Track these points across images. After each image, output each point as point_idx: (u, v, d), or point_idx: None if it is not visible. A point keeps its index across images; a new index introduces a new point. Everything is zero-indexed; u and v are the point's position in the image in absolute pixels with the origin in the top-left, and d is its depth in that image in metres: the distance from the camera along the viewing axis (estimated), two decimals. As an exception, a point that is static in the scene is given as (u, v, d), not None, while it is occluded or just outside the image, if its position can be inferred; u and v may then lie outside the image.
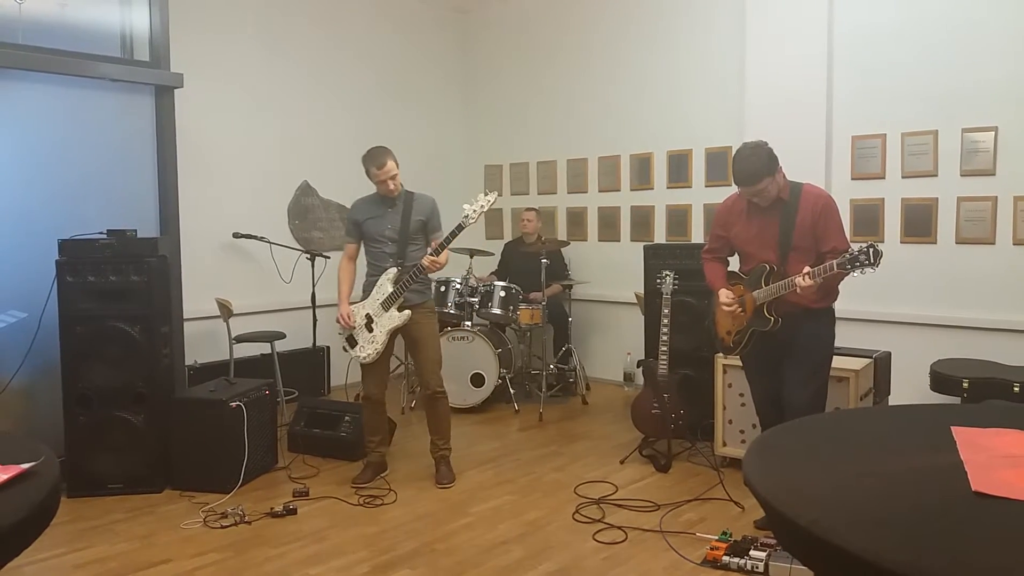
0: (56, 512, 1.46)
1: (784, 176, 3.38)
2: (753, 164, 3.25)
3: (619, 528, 3.59)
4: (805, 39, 5.19)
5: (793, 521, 0.93)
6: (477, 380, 5.65)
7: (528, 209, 6.48)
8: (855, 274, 2.99)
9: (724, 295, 3.52)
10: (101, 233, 4.19)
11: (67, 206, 4.38)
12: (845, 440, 1.33)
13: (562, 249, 6.37)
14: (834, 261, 3.03)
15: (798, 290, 3.13)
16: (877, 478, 1.09)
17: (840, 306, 3.54)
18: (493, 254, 6.51)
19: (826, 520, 0.92)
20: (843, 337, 3.53)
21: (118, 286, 4.09)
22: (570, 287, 6.31)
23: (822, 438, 1.35)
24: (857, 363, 3.95)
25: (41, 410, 4.23)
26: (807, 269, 3.09)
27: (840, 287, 3.40)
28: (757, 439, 1.31)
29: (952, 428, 1.29)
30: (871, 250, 2.93)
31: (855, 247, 3.00)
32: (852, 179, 5.11)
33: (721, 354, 4.16)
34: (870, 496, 1.02)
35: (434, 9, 7.32)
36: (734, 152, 3.40)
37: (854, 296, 4.17)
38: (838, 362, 3.72)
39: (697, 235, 5.99)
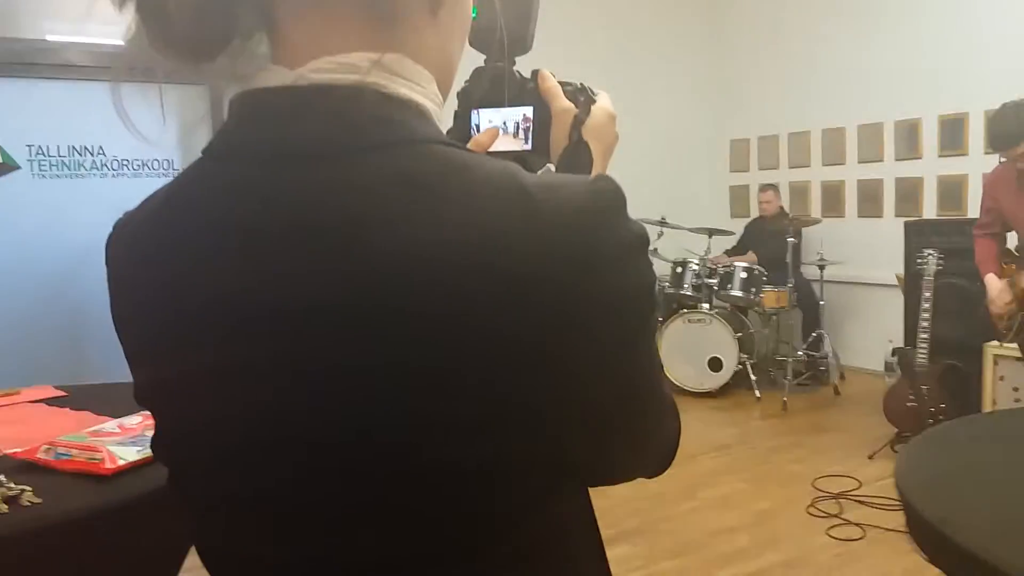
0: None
1: None
2: (1010, 126, 2.89)
3: (856, 525, 3.35)
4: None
5: (921, 516, 0.85)
6: (715, 364, 5.50)
7: (765, 189, 6.14)
8: None
9: (992, 286, 3.16)
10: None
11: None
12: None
13: (815, 227, 5.95)
14: None
15: None
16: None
17: None
18: (734, 233, 6.27)
19: (959, 519, 0.84)
20: None
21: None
22: (822, 268, 5.89)
23: (1001, 436, 1.19)
24: None
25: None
26: None
27: None
28: (929, 431, 1.19)
29: None
30: None
31: None
32: None
33: (996, 342, 3.71)
34: (1018, 502, 0.89)
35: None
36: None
37: None
38: None
39: (973, 210, 5.28)
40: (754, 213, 6.87)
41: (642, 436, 0.61)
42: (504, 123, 0.81)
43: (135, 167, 4.80)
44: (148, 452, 1.44)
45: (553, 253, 0.50)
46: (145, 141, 0.58)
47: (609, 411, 0.56)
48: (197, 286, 0.55)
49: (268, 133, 0.55)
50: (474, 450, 0.51)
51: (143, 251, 0.59)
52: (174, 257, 0.56)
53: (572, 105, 0.79)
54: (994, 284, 3.17)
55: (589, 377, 0.53)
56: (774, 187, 6.21)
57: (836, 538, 3.26)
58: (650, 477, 0.67)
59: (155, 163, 4.83)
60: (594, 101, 0.81)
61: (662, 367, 0.61)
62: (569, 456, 0.55)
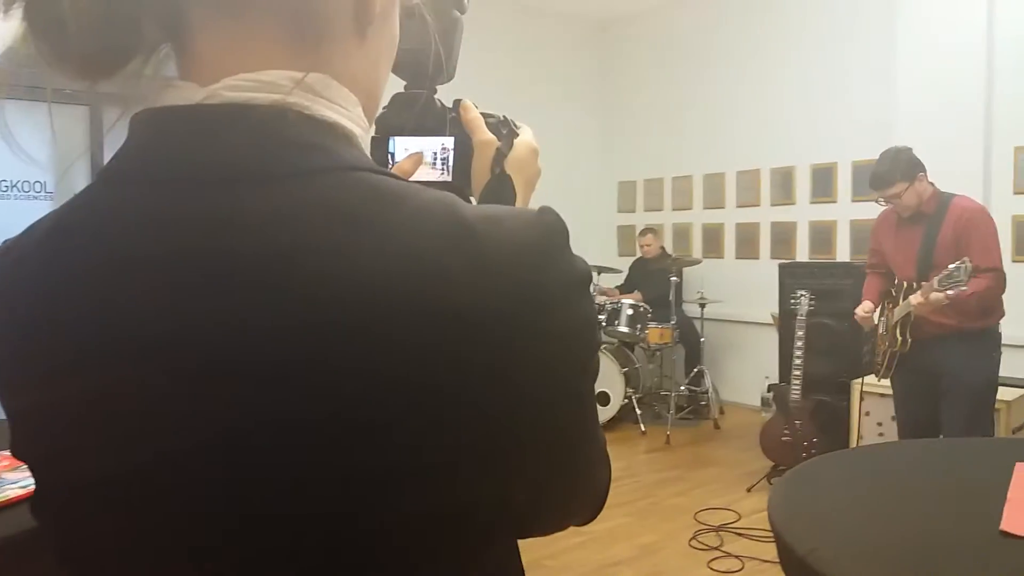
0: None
1: (930, 187, 3.20)
2: (886, 167, 3.13)
3: (736, 557, 3.44)
4: (962, 44, 4.79)
5: (791, 549, 0.88)
6: (602, 399, 5.60)
7: (644, 233, 6.36)
8: (950, 292, 2.77)
9: (861, 306, 3.38)
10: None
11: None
12: (891, 473, 1.23)
13: (696, 266, 6.20)
14: (935, 278, 2.81)
15: (915, 309, 2.92)
16: (903, 513, 1.00)
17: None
18: (621, 271, 6.44)
19: (825, 551, 0.87)
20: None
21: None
22: (702, 306, 6.13)
23: (867, 470, 1.26)
24: (1011, 393, 3.59)
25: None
26: (923, 284, 2.88)
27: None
28: (799, 467, 1.25)
29: (1018, 464, 1.16)
30: (963, 266, 2.72)
31: (954, 264, 2.77)
32: (1014, 193, 4.63)
33: (862, 379, 3.95)
34: (884, 530, 0.93)
35: (572, 27, 7.33)
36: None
37: (1012, 320, 3.78)
38: (988, 392, 3.40)
39: (842, 253, 5.65)
40: (639, 251, 7.10)
41: (580, 482, 0.57)
42: (422, 152, 0.76)
43: (1, 188, 4.48)
44: (3, 496, 1.37)
45: (498, 292, 0.46)
46: (34, 162, 0.52)
47: (552, 456, 0.52)
48: (90, 325, 0.48)
49: (175, 155, 0.49)
50: (411, 504, 0.46)
51: (26, 286, 0.52)
52: (64, 293, 0.49)
53: (494, 138, 0.76)
54: (863, 304, 3.40)
55: (534, 421, 0.49)
56: (654, 230, 6.43)
57: (717, 570, 3.33)
58: (580, 525, 0.62)
59: (24, 184, 4.51)
60: (516, 134, 0.78)
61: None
62: (508, 504, 0.51)
